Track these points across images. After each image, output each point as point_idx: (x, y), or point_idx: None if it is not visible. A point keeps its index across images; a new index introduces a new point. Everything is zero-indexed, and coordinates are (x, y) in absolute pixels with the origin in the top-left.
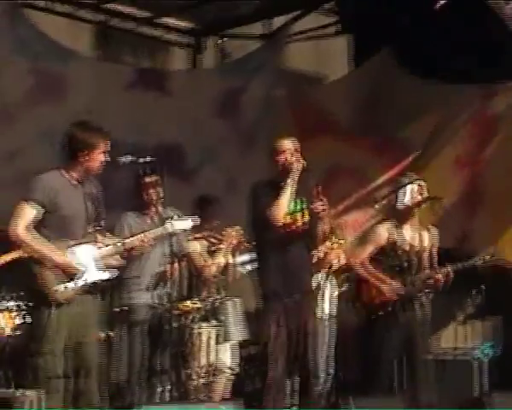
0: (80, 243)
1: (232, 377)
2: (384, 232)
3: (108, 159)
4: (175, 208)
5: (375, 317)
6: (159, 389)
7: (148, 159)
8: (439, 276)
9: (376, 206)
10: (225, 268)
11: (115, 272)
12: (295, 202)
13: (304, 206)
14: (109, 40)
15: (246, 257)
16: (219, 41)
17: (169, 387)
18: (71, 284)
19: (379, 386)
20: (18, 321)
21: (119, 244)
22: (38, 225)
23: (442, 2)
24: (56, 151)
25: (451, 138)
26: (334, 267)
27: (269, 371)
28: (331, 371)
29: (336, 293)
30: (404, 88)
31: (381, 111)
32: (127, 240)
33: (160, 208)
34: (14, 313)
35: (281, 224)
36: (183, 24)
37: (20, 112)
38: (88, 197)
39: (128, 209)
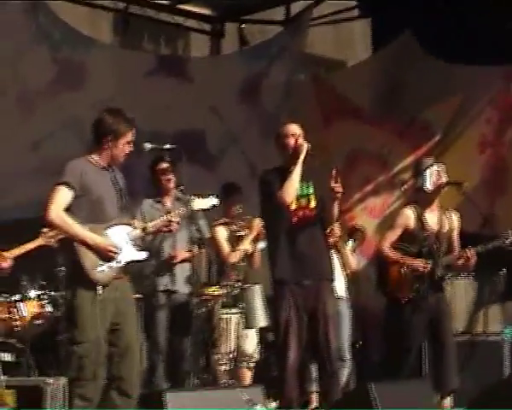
0: (113, 225)
1: (252, 365)
2: (411, 214)
3: (132, 149)
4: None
5: (406, 300)
6: (187, 375)
7: (170, 146)
8: (466, 258)
9: (403, 188)
10: (249, 256)
11: (147, 254)
12: (302, 187)
13: (310, 190)
14: (129, 27)
15: (264, 244)
16: (241, 26)
17: (196, 373)
18: (107, 266)
19: (406, 370)
20: (48, 309)
21: (149, 225)
22: (71, 210)
23: None
24: (79, 139)
25: (474, 120)
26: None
27: (281, 357)
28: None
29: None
30: (425, 70)
31: (403, 94)
32: (154, 222)
33: (179, 194)
34: (44, 302)
35: (290, 207)
36: (202, 10)
37: (42, 101)
38: (115, 182)
39: (146, 196)
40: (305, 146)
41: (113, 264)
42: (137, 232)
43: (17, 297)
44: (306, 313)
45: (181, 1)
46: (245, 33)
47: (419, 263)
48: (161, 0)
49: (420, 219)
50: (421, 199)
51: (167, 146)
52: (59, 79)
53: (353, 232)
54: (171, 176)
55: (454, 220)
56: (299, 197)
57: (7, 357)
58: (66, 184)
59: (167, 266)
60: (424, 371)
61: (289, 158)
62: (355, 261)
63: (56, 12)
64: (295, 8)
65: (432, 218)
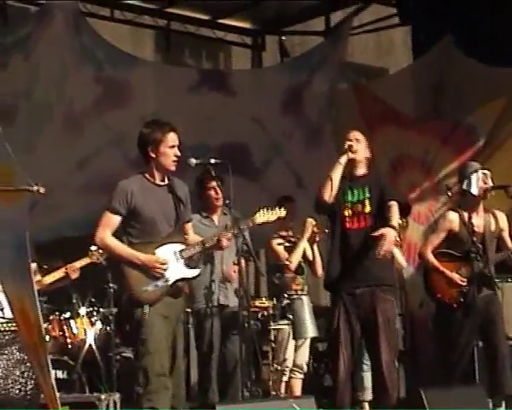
0: (164, 244)
1: (301, 376)
2: (455, 218)
3: (179, 154)
4: (243, 208)
5: (457, 305)
6: (239, 387)
7: (216, 160)
8: None
9: (449, 193)
10: (310, 262)
11: (198, 271)
12: (357, 192)
13: (366, 195)
14: (171, 44)
15: None
16: (282, 38)
17: (249, 384)
18: (154, 284)
19: (458, 375)
20: (99, 326)
21: (204, 243)
22: (124, 229)
23: None
24: (125, 156)
25: None
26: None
27: (333, 367)
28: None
29: None
30: (467, 74)
31: (445, 99)
32: (213, 238)
33: (225, 209)
34: (93, 318)
35: (342, 212)
36: (242, 24)
37: (87, 119)
38: (172, 198)
39: (193, 212)
40: (347, 145)
41: (161, 282)
42: (190, 250)
43: (67, 315)
44: (359, 322)
45: (221, 16)
46: (286, 45)
47: (456, 278)
48: (202, 15)
49: (465, 222)
50: (466, 203)
51: (213, 161)
52: (103, 97)
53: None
54: (220, 193)
55: (502, 221)
56: (353, 203)
57: (60, 374)
58: (113, 209)
59: (219, 281)
60: (477, 376)
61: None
62: (403, 259)
63: (99, 31)
64: (335, 17)
65: (478, 220)
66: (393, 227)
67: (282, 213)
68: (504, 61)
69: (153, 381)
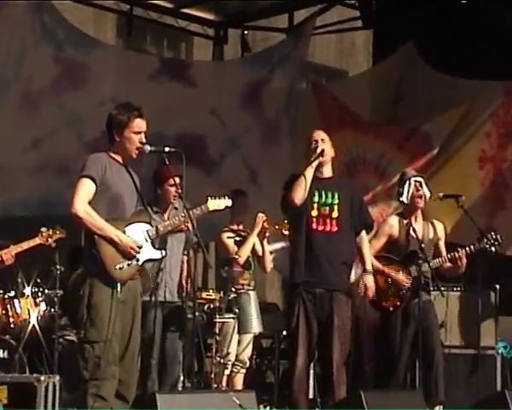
0: (131, 223)
1: (243, 371)
2: (395, 223)
3: (144, 141)
4: (195, 200)
5: (393, 309)
6: (181, 378)
7: (171, 149)
8: (457, 258)
9: (401, 199)
10: (259, 257)
11: (164, 252)
12: (325, 195)
13: (335, 201)
14: (133, 29)
15: (274, 247)
16: (244, 32)
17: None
18: (127, 264)
19: (393, 381)
20: (43, 307)
21: (166, 223)
22: (91, 204)
23: None
24: (80, 139)
25: (474, 135)
26: None
27: (290, 362)
28: None
29: None
30: (426, 82)
31: (403, 105)
32: (175, 220)
33: (176, 204)
34: (38, 299)
35: (309, 212)
36: (206, 15)
37: (44, 100)
38: (132, 180)
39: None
40: (320, 149)
41: (133, 262)
42: (155, 231)
43: (12, 294)
44: (316, 321)
45: (185, 5)
46: (248, 40)
47: (402, 278)
48: (165, 3)
49: (404, 228)
50: (404, 210)
51: (167, 149)
52: (61, 78)
53: None
54: (180, 190)
55: (439, 230)
56: (320, 205)
57: (0, 353)
58: (90, 177)
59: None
60: (417, 381)
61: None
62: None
63: (61, 12)
64: (298, 16)
65: (416, 227)
66: (369, 272)
67: (228, 202)
68: (463, 71)
69: (102, 369)
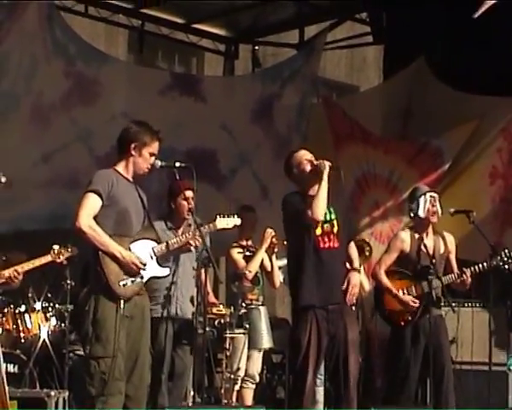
0: (138, 239)
1: (253, 386)
2: (407, 238)
3: (153, 163)
4: (206, 215)
5: (404, 324)
6: (191, 393)
7: (182, 164)
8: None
9: (411, 214)
10: (267, 273)
11: (168, 271)
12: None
13: (333, 216)
14: (144, 45)
15: (282, 263)
16: (255, 48)
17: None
18: (130, 280)
19: (403, 396)
20: (53, 322)
21: (173, 241)
22: (97, 219)
23: (482, 10)
24: (91, 153)
25: (485, 150)
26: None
27: (300, 381)
28: None
29: None
30: (437, 98)
31: (414, 120)
32: (182, 238)
33: (190, 220)
34: (49, 314)
35: (317, 229)
36: (217, 31)
37: (55, 114)
38: (139, 197)
39: (156, 217)
40: (327, 164)
41: (137, 279)
42: (162, 248)
43: (22, 309)
44: (328, 337)
45: (196, 20)
46: (258, 55)
47: (409, 300)
48: (177, 19)
49: (415, 242)
50: (416, 225)
51: (178, 164)
52: (73, 92)
53: (360, 247)
54: (192, 204)
55: (449, 243)
56: (323, 223)
57: (11, 368)
58: (96, 192)
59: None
60: (428, 397)
61: (308, 182)
62: (368, 282)
63: (73, 27)
64: (309, 31)
65: (427, 242)
66: (357, 270)
67: (237, 221)
68: (474, 87)
69: (109, 385)
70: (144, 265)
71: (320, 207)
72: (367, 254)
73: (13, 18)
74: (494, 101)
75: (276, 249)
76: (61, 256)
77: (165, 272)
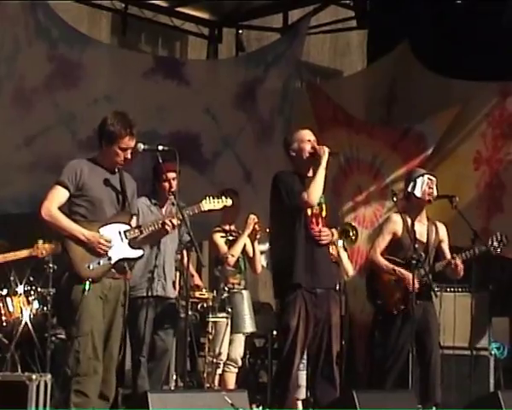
0: (109, 223)
1: (235, 370)
2: (399, 220)
3: (128, 157)
4: (189, 198)
5: (397, 312)
6: (173, 377)
7: (164, 147)
8: (454, 264)
9: (395, 199)
10: (250, 258)
11: (142, 252)
12: None
13: (322, 200)
14: (127, 28)
15: (262, 247)
16: (239, 32)
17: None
18: (97, 262)
19: (389, 382)
20: (36, 305)
21: (147, 224)
22: (70, 208)
23: None
24: (73, 137)
25: (469, 136)
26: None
27: (287, 365)
28: None
29: None
30: (421, 82)
31: (397, 105)
32: (158, 222)
33: (173, 199)
34: (31, 298)
35: (308, 213)
36: (200, 14)
37: (38, 97)
38: (119, 186)
39: (142, 194)
40: (327, 149)
41: (104, 260)
42: (134, 232)
43: (4, 292)
44: (314, 321)
45: (180, 4)
46: (242, 39)
47: (409, 277)
48: (160, 2)
49: (408, 227)
50: (410, 208)
51: (161, 147)
52: (55, 76)
53: (345, 230)
54: (174, 186)
55: (442, 231)
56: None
57: None
58: (61, 183)
59: (158, 271)
60: (410, 382)
61: (306, 163)
62: (351, 267)
63: (55, 9)
64: (293, 16)
65: (420, 228)
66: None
67: (228, 202)
68: (458, 71)
69: (83, 364)
70: (110, 243)
71: (316, 192)
72: (352, 238)
73: None
74: (478, 86)
75: (258, 236)
76: (43, 252)
77: (137, 253)
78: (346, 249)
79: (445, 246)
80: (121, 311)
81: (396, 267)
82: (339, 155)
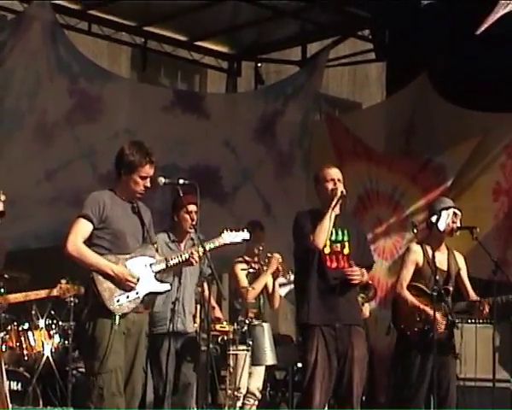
0: (134, 256)
1: (254, 402)
2: (419, 250)
3: (148, 186)
4: (209, 231)
5: (418, 341)
6: None
7: (185, 181)
8: (483, 307)
9: (415, 230)
10: (269, 294)
11: (168, 286)
12: (336, 232)
13: (345, 238)
14: (147, 63)
15: (282, 280)
16: (258, 65)
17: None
18: (125, 296)
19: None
20: (57, 339)
21: (173, 259)
22: (93, 241)
23: (484, 26)
24: (94, 171)
25: (489, 167)
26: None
27: (307, 400)
28: None
29: None
30: (440, 114)
31: (417, 137)
32: (182, 255)
33: (193, 234)
34: (52, 331)
35: (323, 251)
36: (219, 48)
37: (59, 132)
38: (137, 217)
39: (161, 230)
40: (340, 190)
41: (132, 295)
42: (160, 265)
43: (26, 326)
44: (336, 355)
45: (199, 38)
46: (261, 72)
47: (437, 318)
48: (179, 36)
49: (428, 256)
50: (431, 237)
51: (182, 181)
52: (76, 110)
53: (365, 287)
54: (195, 218)
55: (460, 260)
56: (332, 242)
57: (14, 386)
58: (85, 216)
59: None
60: None
61: (327, 201)
62: (367, 308)
63: (76, 44)
64: (312, 49)
65: (439, 256)
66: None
67: (246, 235)
68: (477, 103)
69: (107, 401)
70: (137, 280)
71: (321, 234)
72: (370, 295)
73: (17, 36)
74: (497, 117)
75: (280, 275)
76: (66, 294)
77: (164, 287)
78: (362, 304)
79: (465, 275)
80: (143, 347)
81: (421, 306)
82: (346, 200)
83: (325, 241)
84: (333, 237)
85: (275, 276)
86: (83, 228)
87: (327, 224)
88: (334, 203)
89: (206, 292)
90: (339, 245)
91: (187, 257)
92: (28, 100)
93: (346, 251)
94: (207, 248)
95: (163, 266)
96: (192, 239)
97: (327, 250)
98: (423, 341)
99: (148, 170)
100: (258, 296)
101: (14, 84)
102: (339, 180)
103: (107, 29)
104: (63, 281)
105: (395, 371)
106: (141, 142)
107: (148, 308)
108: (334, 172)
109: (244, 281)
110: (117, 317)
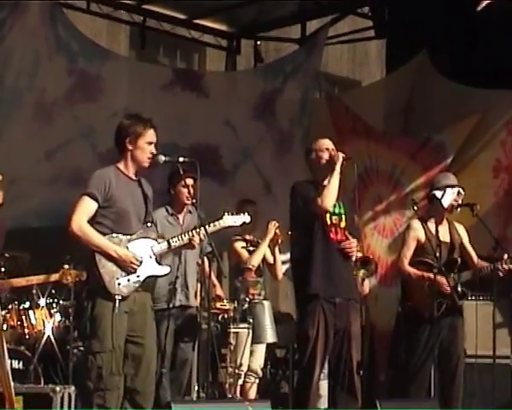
0: (137, 238)
1: (256, 380)
2: (419, 226)
3: (154, 152)
4: (209, 209)
5: (428, 316)
6: (195, 388)
7: (185, 159)
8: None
9: (415, 208)
10: (270, 266)
11: (168, 269)
12: (334, 205)
13: (342, 211)
14: (146, 41)
15: (285, 257)
16: (257, 43)
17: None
18: (126, 279)
19: (413, 390)
20: (58, 318)
21: (174, 240)
22: (96, 220)
23: (484, 4)
24: (94, 150)
25: (489, 144)
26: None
27: (307, 376)
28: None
29: None
30: (440, 92)
31: (416, 115)
32: (184, 237)
33: (191, 208)
34: (53, 310)
35: (326, 219)
36: (218, 26)
37: (58, 111)
38: (141, 194)
39: (160, 206)
40: (340, 154)
41: (133, 277)
42: (162, 247)
43: (27, 305)
44: (334, 331)
45: (198, 16)
46: (260, 50)
47: (444, 281)
48: (178, 14)
49: (430, 232)
50: (433, 212)
51: (181, 159)
52: (75, 89)
53: (366, 262)
54: (192, 192)
55: (461, 230)
56: (331, 214)
57: (16, 364)
58: (90, 194)
59: (181, 282)
60: (433, 390)
61: (323, 171)
62: (367, 285)
63: (75, 23)
64: (311, 26)
65: (441, 229)
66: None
67: (247, 218)
68: (477, 80)
69: (106, 380)
70: (140, 263)
71: (330, 197)
72: (372, 271)
73: (15, 15)
74: (498, 94)
75: (279, 241)
76: (68, 278)
77: (164, 270)
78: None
79: (467, 243)
80: (150, 322)
81: (424, 273)
82: (353, 162)
83: (332, 204)
84: (332, 210)
85: (273, 244)
86: (88, 207)
87: (334, 186)
88: (338, 167)
89: (207, 269)
90: (337, 218)
91: (188, 240)
92: (28, 78)
93: (342, 224)
94: (209, 232)
95: (165, 249)
96: (190, 212)
97: (328, 222)
98: (433, 315)
99: (153, 134)
100: (260, 272)
101: (14, 62)
102: (333, 149)
103: (106, 7)
104: (66, 266)
105: (396, 346)
106: (136, 114)
107: (148, 290)
108: (328, 143)
109: (245, 255)
110: (117, 300)
